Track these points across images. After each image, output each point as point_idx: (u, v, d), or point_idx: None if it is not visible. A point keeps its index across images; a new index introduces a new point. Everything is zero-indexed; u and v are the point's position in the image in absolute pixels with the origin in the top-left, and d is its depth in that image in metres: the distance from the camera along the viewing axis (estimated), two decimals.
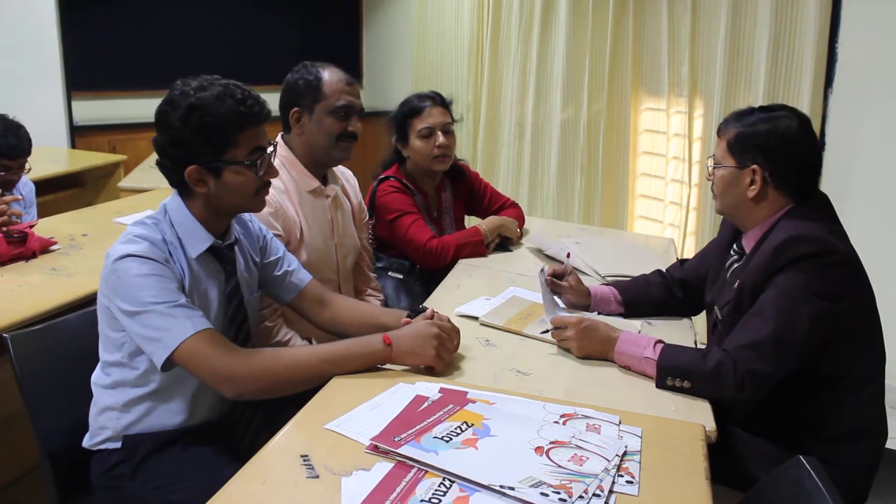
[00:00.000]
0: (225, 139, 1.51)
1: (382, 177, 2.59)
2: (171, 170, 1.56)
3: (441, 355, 1.58)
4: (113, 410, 1.60)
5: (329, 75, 2.10)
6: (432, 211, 2.71)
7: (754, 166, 1.71)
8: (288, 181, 2.09)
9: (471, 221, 2.80)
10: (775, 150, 1.70)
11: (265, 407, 1.66)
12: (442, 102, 2.59)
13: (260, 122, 1.56)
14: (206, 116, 1.49)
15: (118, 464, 1.59)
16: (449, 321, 1.67)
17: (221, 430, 1.67)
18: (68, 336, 1.74)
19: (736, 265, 1.83)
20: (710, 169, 1.81)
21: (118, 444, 1.60)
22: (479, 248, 2.52)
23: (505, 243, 2.66)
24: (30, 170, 3.16)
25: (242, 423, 1.69)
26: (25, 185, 3.38)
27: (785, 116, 1.71)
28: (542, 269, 1.95)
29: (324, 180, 2.19)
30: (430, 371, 1.59)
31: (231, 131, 1.51)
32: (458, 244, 2.50)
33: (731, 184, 1.75)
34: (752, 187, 1.72)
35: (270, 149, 1.60)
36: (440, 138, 2.53)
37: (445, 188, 2.75)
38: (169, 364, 1.46)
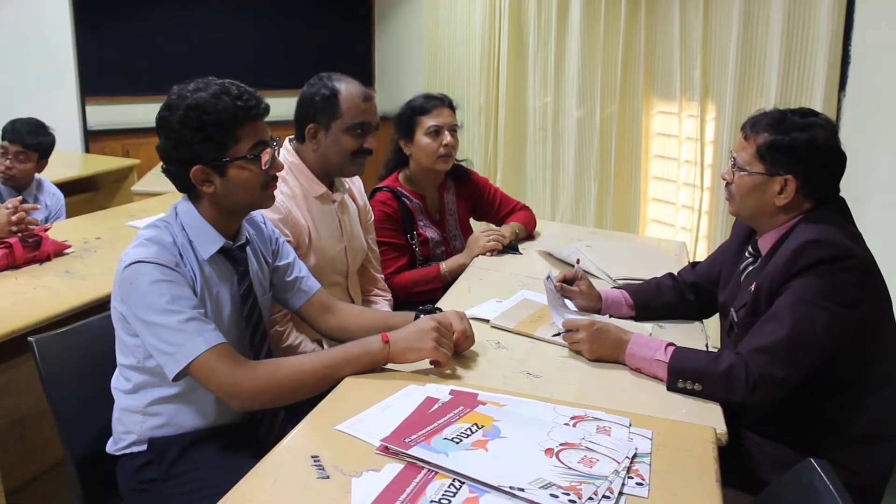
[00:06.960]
0: (225, 135, 1.52)
1: (378, 187, 2.61)
2: (177, 174, 1.56)
3: (441, 347, 1.57)
4: (136, 414, 1.60)
5: (346, 91, 2.06)
6: (434, 214, 2.71)
7: (788, 176, 1.67)
8: (295, 187, 2.09)
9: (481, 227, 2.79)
10: (813, 162, 1.66)
11: (287, 407, 1.67)
12: (450, 105, 2.62)
13: (258, 117, 1.57)
14: (204, 115, 1.50)
15: (146, 466, 1.59)
16: (456, 318, 1.66)
17: (246, 431, 1.67)
18: (92, 339, 1.75)
19: (751, 267, 1.81)
20: (732, 171, 1.76)
21: (143, 447, 1.60)
22: (435, 291, 2.52)
23: (515, 246, 2.66)
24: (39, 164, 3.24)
25: (266, 424, 1.70)
26: (54, 195, 3.44)
27: (819, 125, 1.67)
28: (549, 276, 1.94)
29: (331, 185, 2.19)
30: (435, 364, 1.59)
31: (231, 127, 1.52)
32: (413, 283, 2.55)
33: (757, 190, 1.71)
34: (782, 196, 1.68)
35: (274, 143, 1.60)
36: (447, 137, 2.56)
37: (448, 189, 2.75)
38: (180, 376, 1.47)
